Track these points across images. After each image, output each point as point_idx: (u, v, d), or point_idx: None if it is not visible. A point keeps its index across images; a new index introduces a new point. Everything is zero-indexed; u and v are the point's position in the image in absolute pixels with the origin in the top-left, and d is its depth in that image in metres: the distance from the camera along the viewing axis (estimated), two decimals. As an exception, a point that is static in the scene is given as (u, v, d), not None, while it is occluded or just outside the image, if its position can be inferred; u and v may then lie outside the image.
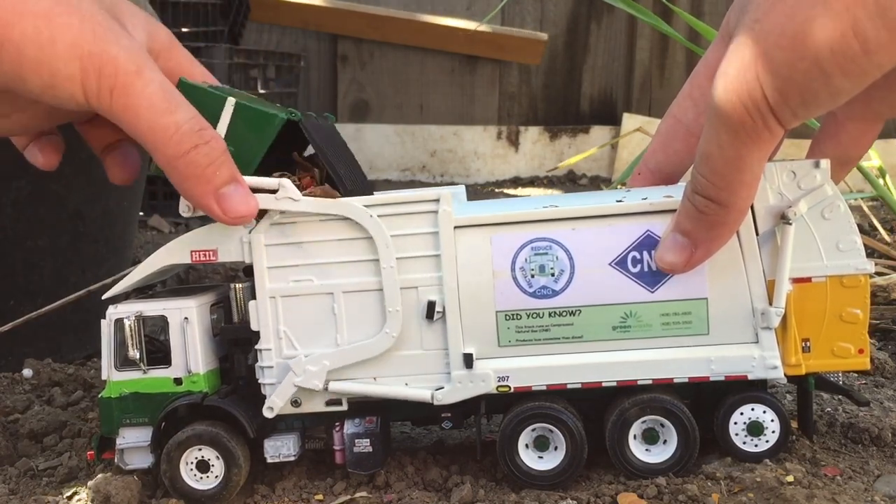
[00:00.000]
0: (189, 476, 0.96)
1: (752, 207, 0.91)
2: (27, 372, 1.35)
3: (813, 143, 0.97)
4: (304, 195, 0.93)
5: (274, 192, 0.92)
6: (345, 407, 0.97)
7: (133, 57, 0.81)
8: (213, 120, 0.90)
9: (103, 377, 0.98)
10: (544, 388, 0.94)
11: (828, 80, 0.69)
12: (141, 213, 1.80)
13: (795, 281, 0.91)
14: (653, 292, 0.91)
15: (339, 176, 0.95)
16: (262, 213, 0.94)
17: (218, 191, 0.86)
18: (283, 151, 0.97)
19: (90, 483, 0.96)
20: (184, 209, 0.93)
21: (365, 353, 0.94)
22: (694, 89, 0.94)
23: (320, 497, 0.95)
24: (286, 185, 0.91)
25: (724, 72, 0.75)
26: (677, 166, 0.96)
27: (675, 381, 0.93)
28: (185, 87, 0.91)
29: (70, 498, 0.98)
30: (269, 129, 0.91)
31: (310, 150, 0.99)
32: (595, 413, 0.97)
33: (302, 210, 0.93)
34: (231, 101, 0.91)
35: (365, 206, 0.93)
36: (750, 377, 0.92)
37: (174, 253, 0.97)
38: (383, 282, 0.93)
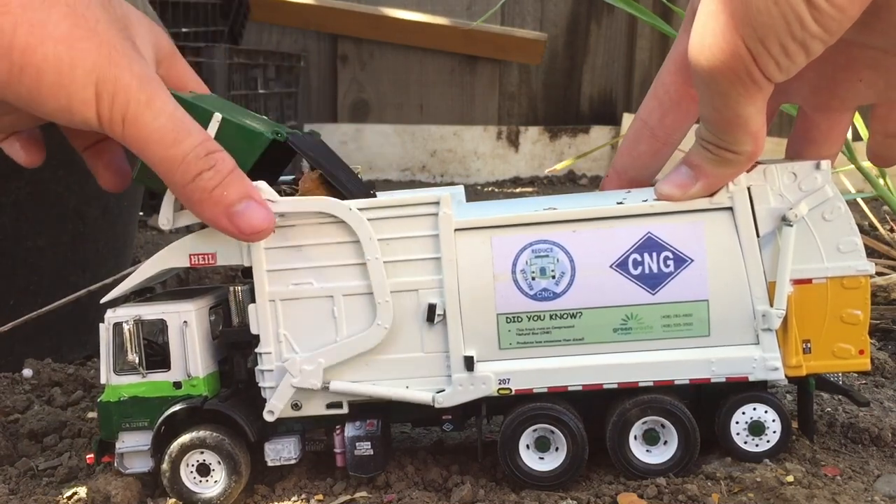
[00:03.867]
0: (189, 479, 0.96)
1: (752, 209, 0.91)
2: (27, 372, 1.35)
3: (787, 145, 0.97)
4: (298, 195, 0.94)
5: None
6: (345, 410, 0.97)
7: (144, 84, 0.82)
8: None
9: (102, 381, 0.98)
10: (545, 390, 0.94)
11: (802, 22, 0.70)
12: (141, 213, 1.80)
13: (796, 282, 0.91)
14: (654, 294, 0.91)
15: (341, 182, 0.95)
16: None
17: (230, 210, 0.86)
18: (273, 165, 0.98)
19: (90, 483, 0.96)
20: (163, 222, 0.94)
21: (359, 346, 0.94)
22: (659, 87, 0.93)
23: (320, 497, 0.95)
24: (262, 187, 0.91)
25: (701, 38, 0.75)
26: (642, 169, 0.97)
27: (676, 382, 0.93)
28: None
29: (70, 498, 0.97)
30: (254, 147, 0.91)
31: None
32: (596, 414, 0.97)
33: (282, 211, 0.92)
34: (217, 118, 0.91)
35: (365, 208, 0.93)
36: (751, 378, 0.92)
37: (173, 256, 0.97)
38: (370, 274, 0.93)
